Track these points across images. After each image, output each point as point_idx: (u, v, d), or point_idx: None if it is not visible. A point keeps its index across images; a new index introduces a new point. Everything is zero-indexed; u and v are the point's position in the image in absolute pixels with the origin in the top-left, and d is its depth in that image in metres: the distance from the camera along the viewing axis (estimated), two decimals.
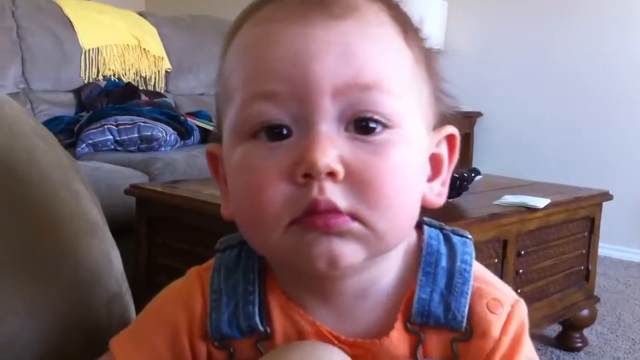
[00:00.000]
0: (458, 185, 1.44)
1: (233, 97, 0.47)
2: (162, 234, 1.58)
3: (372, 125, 0.45)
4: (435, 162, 0.52)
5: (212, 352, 0.53)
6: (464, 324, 0.50)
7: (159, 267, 1.56)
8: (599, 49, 2.94)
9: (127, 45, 2.79)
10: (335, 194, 0.43)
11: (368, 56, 0.45)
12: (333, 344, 0.50)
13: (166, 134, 2.34)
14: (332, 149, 0.44)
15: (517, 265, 1.54)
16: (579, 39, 2.99)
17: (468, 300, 0.50)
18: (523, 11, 3.13)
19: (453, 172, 0.54)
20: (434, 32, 3.28)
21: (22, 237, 0.64)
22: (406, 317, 0.50)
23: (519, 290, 1.56)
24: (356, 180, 0.44)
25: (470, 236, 0.55)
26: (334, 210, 0.44)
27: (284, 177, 0.44)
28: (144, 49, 2.83)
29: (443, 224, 0.56)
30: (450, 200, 1.47)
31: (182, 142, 2.44)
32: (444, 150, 0.52)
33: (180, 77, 3.00)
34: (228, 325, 0.51)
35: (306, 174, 0.43)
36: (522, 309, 0.52)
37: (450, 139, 0.53)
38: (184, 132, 2.45)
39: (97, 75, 2.68)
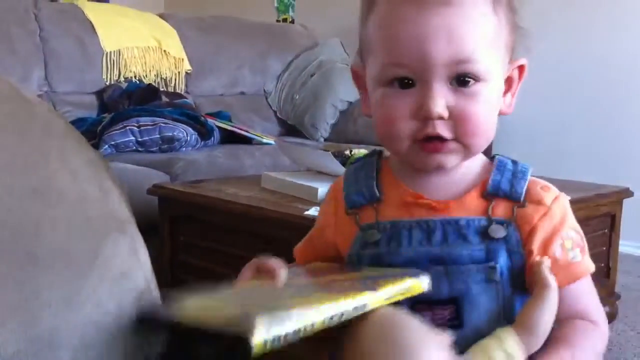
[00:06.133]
0: None
1: (374, 53, 0.70)
2: (184, 232, 1.61)
3: (467, 79, 0.67)
4: (509, 81, 0.75)
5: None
6: (522, 197, 0.71)
7: (181, 265, 1.59)
8: (618, 46, 2.92)
9: (148, 47, 2.82)
10: (442, 129, 0.67)
11: (465, 38, 0.66)
12: (423, 204, 0.72)
13: (187, 135, 2.37)
14: (440, 99, 0.66)
15: None
16: (598, 36, 2.98)
17: (526, 184, 0.72)
18: (545, 8, 3.12)
19: None
20: None
21: (54, 234, 0.65)
22: (482, 190, 0.72)
23: None
24: (457, 119, 0.67)
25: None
26: (441, 139, 0.67)
27: (410, 115, 0.67)
28: (165, 51, 2.87)
29: None
30: None
31: (202, 143, 2.47)
32: (515, 73, 0.75)
33: (200, 78, 3.03)
34: (355, 194, 0.75)
35: (425, 117, 0.66)
36: (566, 198, 0.74)
37: (520, 66, 0.75)
38: (204, 132, 2.47)
39: (119, 77, 2.73)
